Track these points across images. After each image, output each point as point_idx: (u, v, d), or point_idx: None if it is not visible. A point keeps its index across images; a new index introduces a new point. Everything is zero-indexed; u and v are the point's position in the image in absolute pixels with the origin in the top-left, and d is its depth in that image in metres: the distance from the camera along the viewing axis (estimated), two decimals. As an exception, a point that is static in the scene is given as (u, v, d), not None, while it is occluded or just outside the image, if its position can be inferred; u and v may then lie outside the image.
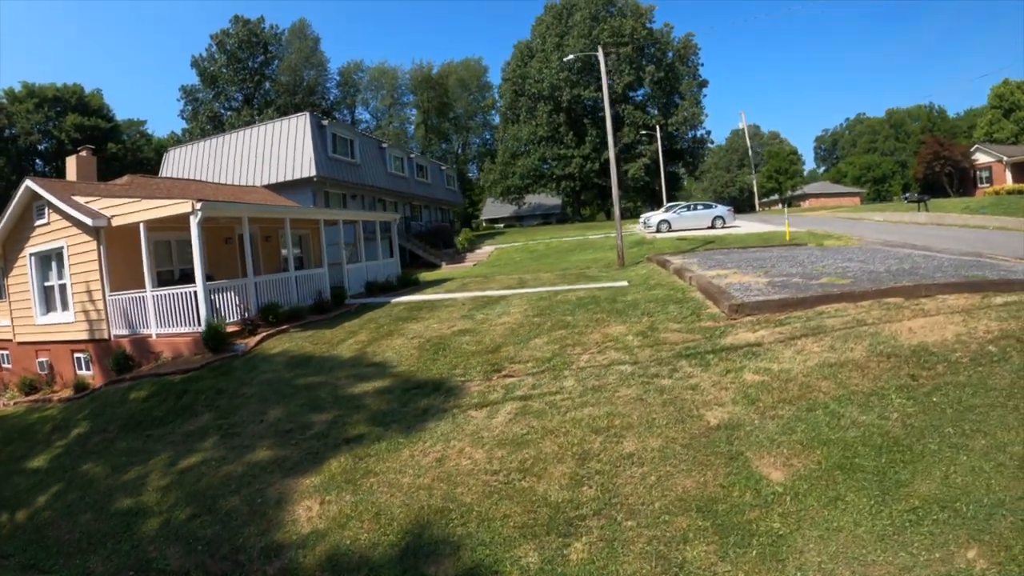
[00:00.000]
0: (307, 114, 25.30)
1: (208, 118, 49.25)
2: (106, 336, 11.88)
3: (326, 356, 9.38)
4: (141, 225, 10.99)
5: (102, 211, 11.41)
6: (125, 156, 48.08)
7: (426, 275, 22.40)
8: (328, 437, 5.97)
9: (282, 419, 6.89)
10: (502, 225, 63.58)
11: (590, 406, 5.23)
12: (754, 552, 3.20)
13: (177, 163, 29.08)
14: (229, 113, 49.67)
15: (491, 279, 16.10)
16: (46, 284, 12.79)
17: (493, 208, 68.46)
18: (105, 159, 45.63)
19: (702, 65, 52.33)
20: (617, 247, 15.98)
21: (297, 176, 24.62)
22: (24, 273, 12.92)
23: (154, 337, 11.22)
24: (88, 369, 12.24)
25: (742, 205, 75.26)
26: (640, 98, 50.19)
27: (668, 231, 25.79)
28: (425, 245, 29.87)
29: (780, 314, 6.80)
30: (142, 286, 11.26)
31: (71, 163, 15.44)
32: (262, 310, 12.00)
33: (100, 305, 11.78)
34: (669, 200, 42.85)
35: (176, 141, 50.69)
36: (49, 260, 12.61)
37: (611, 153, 16.63)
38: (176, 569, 4.42)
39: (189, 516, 5.06)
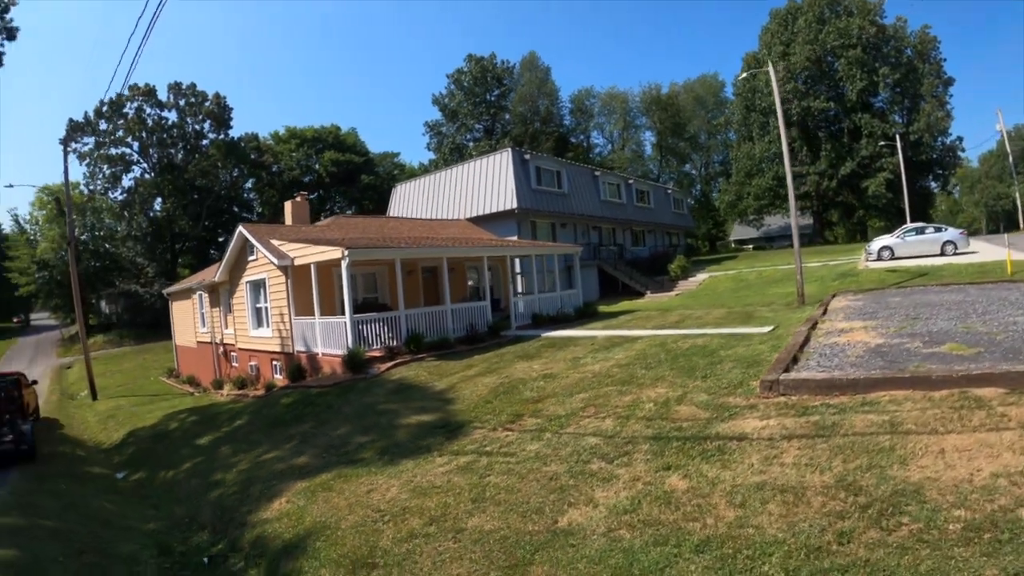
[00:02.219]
0: (509, 150, 29.49)
1: (451, 149, 59.20)
2: (290, 350, 16.39)
3: (424, 387, 11.68)
4: (312, 266, 15.06)
5: (288, 253, 16.01)
6: (380, 185, 60.71)
7: (624, 304, 25.44)
8: (346, 456, 8.11)
9: (340, 436, 9.32)
10: (751, 247, 62.91)
11: (506, 475, 6.08)
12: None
13: (403, 197, 36.31)
14: (471, 144, 58.87)
15: (667, 313, 17.71)
16: (257, 306, 18.22)
17: (741, 230, 67.61)
18: (360, 188, 58.55)
19: (945, 60, 48.10)
20: (797, 284, 15.88)
21: (500, 209, 28.85)
22: (242, 296, 18.66)
23: (320, 355, 15.15)
24: (280, 375, 16.93)
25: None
26: (878, 105, 49.05)
27: (890, 259, 25.87)
28: (634, 272, 32.03)
29: (817, 398, 6.49)
30: (327, 312, 15.24)
31: (287, 207, 21.51)
32: (407, 340, 15.00)
33: (288, 326, 16.35)
34: (916, 219, 40.54)
35: (424, 170, 61.91)
36: (258, 287, 17.98)
37: (787, 165, 16.18)
38: (203, 522, 7.06)
39: (232, 492, 7.71)
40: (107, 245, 45.90)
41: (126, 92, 37.73)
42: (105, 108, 41.33)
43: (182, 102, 46.08)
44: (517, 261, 25.85)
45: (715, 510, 4.56)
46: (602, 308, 22.92)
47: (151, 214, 46.10)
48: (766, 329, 11.83)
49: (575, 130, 67.54)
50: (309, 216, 23.39)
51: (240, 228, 18.15)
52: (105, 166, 43.58)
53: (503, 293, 24.27)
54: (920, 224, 28.83)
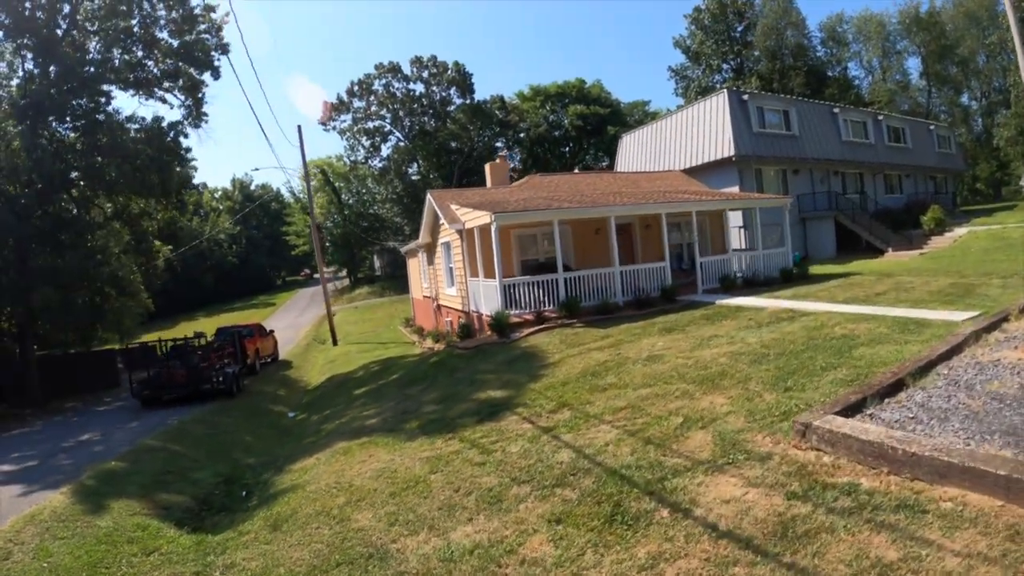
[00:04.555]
0: (724, 91, 26.58)
1: (697, 93, 55.17)
2: (467, 309, 17.50)
3: (540, 357, 11.65)
4: (475, 229, 15.69)
5: (460, 217, 16.94)
6: (630, 136, 59.78)
7: (853, 264, 22.25)
8: (399, 423, 8.86)
9: (423, 402, 10.13)
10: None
11: (446, 475, 5.99)
12: None
13: (628, 148, 35.50)
14: (720, 85, 54.37)
15: (881, 280, 15.14)
16: (449, 266, 19.79)
17: (1039, 179, 51.07)
18: (608, 140, 58.24)
19: None
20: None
21: (716, 157, 26.60)
22: (440, 256, 20.36)
23: (484, 316, 15.94)
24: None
25: None
26: None
27: None
28: (876, 226, 27.12)
29: (855, 468, 4.44)
30: (506, 272, 15.89)
31: (487, 169, 22.72)
32: (562, 304, 14.84)
33: (465, 286, 17.43)
34: None
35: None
36: (448, 248, 19.50)
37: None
38: (279, 464, 8.20)
39: (311, 442, 8.85)
40: (373, 209, 53.82)
41: (373, 72, 43.27)
42: (356, 88, 48.20)
43: (425, 74, 51.08)
44: (731, 216, 23.38)
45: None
46: (819, 269, 19.93)
47: (407, 178, 52.71)
48: (963, 316, 9.08)
49: (830, 62, 57.43)
50: (508, 177, 24.33)
51: (428, 194, 19.72)
52: (363, 138, 51.29)
53: (708, 249, 22.32)
54: None
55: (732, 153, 25.30)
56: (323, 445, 8.37)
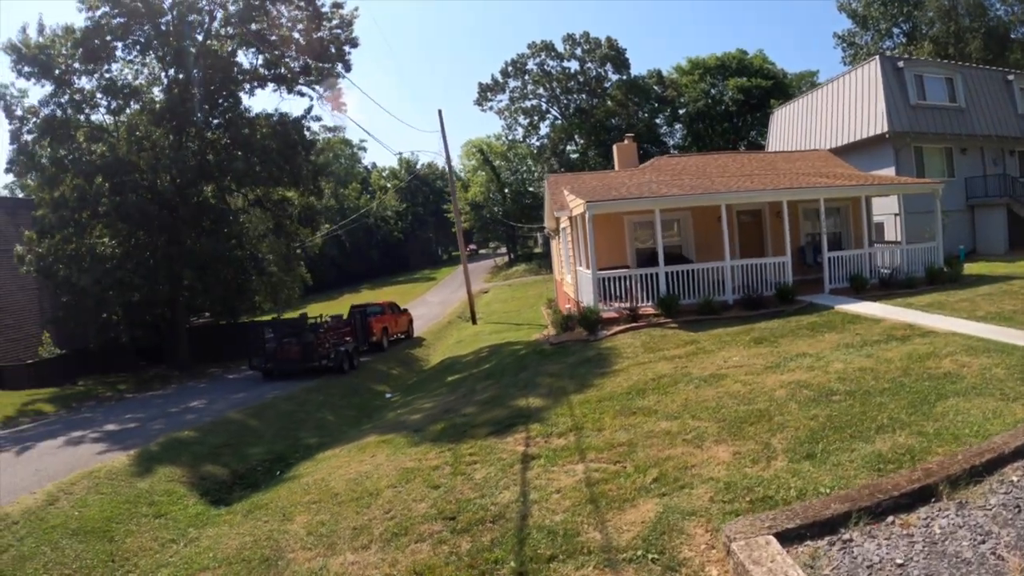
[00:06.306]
0: (877, 58, 23.06)
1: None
2: (578, 299, 17.07)
3: (610, 361, 10.93)
4: (578, 218, 15.19)
5: (569, 204, 16.41)
6: (796, 107, 53.34)
7: (1021, 264, 18.36)
8: (431, 422, 8.93)
9: (472, 401, 10.12)
10: None
11: (400, 491, 5.95)
12: None
13: (779, 124, 32.07)
14: (891, 52, 46.41)
15: None
16: (567, 252, 19.33)
17: None
18: (766, 115, 52.50)
19: None
20: None
21: (869, 134, 23.37)
22: (561, 241, 20.08)
23: (583, 307, 15.41)
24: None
25: None
26: None
27: None
28: None
29: None
30: (619, 261, 15.28)
31: (615, 151, 21.84)
32: (660, 301, 13.90)
33: (575, 275, 17.06)
34: None
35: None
36: (565, 234, 19.26)
37: None
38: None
39: (366, 427, 9.22)
40: (531, 187, 53.75)
41: (527, 51, 42.70)
42: (510, 68, 48.02)
43: (578, 51, 49.36)
44: (880, 203, 20.07)
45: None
46: (980, 268, 16.67)
47: (564, 156, 51.41)
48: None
49: (1012, 22, 45.07)
50: (637, 158, 23.05)
51: (545, 179, 19.37)
52: (521, 117, 51.32)
53: (849, 241, 19.41)
54: None
55: (886, 129, 22.05)
56: (361, 435, 8.74)
